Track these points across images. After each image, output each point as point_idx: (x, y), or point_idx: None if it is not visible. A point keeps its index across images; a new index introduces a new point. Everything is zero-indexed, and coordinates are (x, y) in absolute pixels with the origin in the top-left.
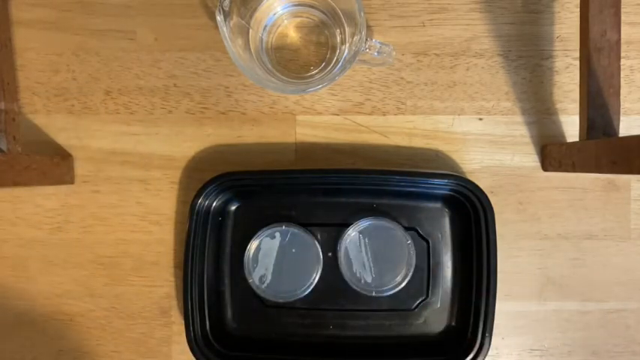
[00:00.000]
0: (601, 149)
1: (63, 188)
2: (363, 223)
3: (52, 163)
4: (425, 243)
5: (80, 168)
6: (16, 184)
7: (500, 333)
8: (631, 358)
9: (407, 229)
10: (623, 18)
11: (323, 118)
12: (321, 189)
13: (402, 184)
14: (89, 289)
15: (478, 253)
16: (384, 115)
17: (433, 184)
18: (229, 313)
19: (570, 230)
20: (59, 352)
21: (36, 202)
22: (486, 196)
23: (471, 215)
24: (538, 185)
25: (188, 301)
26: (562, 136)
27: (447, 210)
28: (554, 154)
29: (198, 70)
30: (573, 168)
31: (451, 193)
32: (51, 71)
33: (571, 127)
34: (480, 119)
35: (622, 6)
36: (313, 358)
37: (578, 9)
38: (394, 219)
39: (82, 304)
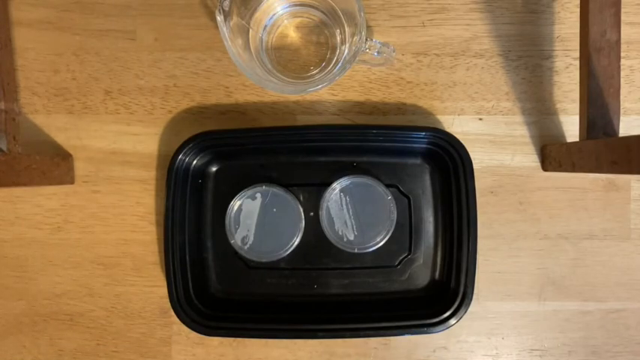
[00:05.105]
0: (601, 149)
1: (63, 188)
2: (344, 182)
3: (52, 163)
4: (406, 200)
5: (80, 168)
6: (16, 184)
7: (500, 333)
8: (631, 358)
9: (388, 186)
10: (623, 18)
11: (323, 118)
12: (300, 148)
13: (381, 138)
14: (89, 289)
15: (458, 205)
16: (384, 115)
17: (411, 137)
18: (213, 275)
19: (570, 230)
20: (59, 352)
21: (36, 202)
22: (464, 147)
23: (450, 167)
24: (538, 185)
25: (170, 264)
26: (562, 136)
27: (426, 165)
28: (554, 154)
29: (198, 70)
30: (573, 168)
31: (429, 146)
32: (51, 71)
33: (571, 127)
34: (480, 119)
35: (622, 6)
36: (299, 316)
37: (578, 9)
38: (375, 177)
39: (82, 304)
